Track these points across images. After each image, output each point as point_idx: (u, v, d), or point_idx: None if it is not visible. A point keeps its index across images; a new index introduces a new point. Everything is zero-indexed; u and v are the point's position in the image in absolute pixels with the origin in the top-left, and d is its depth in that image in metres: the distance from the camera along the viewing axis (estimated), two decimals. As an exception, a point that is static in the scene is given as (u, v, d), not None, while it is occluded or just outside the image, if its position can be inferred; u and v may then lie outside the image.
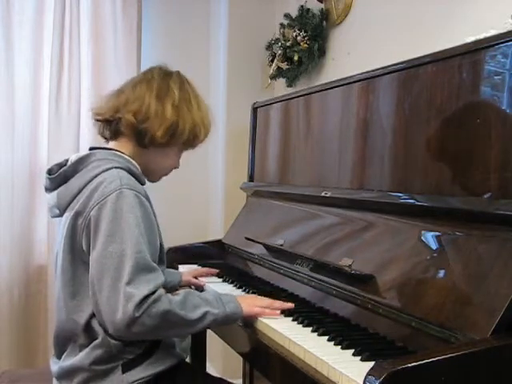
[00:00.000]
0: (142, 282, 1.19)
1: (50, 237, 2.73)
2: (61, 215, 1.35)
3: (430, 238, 1.25)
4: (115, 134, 1.42)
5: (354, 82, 1.65)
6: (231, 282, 1.80)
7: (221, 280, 1.85)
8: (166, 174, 1.50)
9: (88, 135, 2.83)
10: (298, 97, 1.99)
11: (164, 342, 1.35)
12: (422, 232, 1.27)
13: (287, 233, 1.82)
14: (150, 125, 1.35)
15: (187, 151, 1.49)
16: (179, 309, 1.23)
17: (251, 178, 2.34)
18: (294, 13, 2.60)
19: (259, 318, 1.37)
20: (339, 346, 1.16)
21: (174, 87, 1.40)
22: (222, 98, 2.92)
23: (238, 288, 1.72)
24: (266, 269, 1.84)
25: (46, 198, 1.40)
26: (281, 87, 2.81)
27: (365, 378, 0.89)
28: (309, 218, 1.76)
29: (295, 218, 1.85)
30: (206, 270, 1.94)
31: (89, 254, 1.25)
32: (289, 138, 2.07)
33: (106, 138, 1.46)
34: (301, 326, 1.32)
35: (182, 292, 1.31)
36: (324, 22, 2.49)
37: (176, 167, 1.49)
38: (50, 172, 1.39)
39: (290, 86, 2.70)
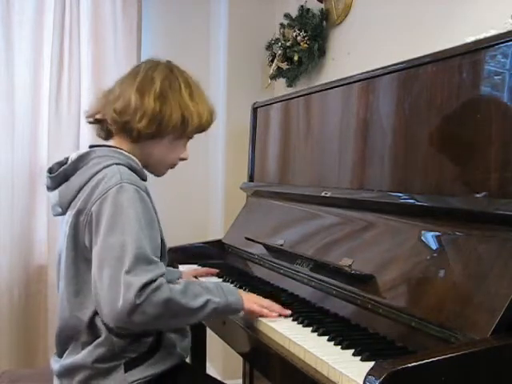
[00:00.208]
0: (142, 271, 1.18)
1: (50, 237, 2.73)
2: (63, 213, 1.36)
3: (430, 238, 1.25)
4: (109, 133, 1.44)
5: (354, 81, 1.65)
6: (231, 282, 1.80)
7: (221, 280, 1.85)
8: (171, 167, 1.48)
9: (88, 135, 2.82)
10: (298, 97, 1.99)
11: (165, 341, 1.35)
12: (422, 232, 1.27)
13: (287, 233, 1.82)
14: (131, 118, 1.35)
15: (188, 143, 1.48)
16: (180, 297, 1.22)
17: (251, 178, 2.34)
18: (294, 13, 2.60)
19: (259, 318, 1.37)
20: (339, 346, 1.16)
21: (158, 77, 1.38)
22: (222, 97, 2.92)
23: (238, 288, 1.71)
24: (265, 269, 1.84)
25: (48, 196, 1.40)
26: (281, 87, 2.81)
27: (365, 378, 0.88)
28: (309, 218, 1.76)
29: (295, 218, 1.85)
30: (205, 269, 1.94)
31: (91, 250, 1.25)
32: (289, 138, 2.07)
33: (103, 139, 1.46)
34: (301, 326, 1.32)
35: (182, 281, 1.30)
36: (324, 22, 2.49)
37: (183, 158, 1.48)
38: (50, 171, 1.39)
39: (289, 85, 2.70)
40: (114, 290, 1.17)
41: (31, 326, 2.78)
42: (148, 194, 1.32)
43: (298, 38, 2.49)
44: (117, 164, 1.31)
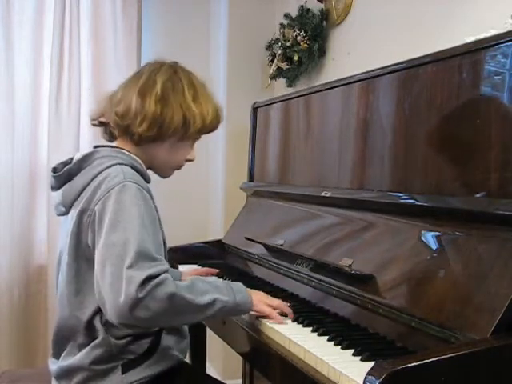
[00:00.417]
0: (143, 266, 1.16)
1: (50, 237, 2.73)
2: (66, 213, 1.36)
3: (430, 238, 1.25)
4: (112, 136, 1.44)
5: (354, 81, 1.65)
6: (231, 282, 1.80)
7: (221, 280, 1.85)
8: (177, 168, 1.48)
9: (88, 135, 2.83)
10: (298, 97, 1.99)
11: (163, 342, 1.34)
12: (422, 232, 1.27)
13: (287, 233, 1.82)
14: (131, 122, 1.35)
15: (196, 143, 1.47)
16: (186, 293, 1.20)
17: (251, 178, 2.34)
18: (294, 13, 2.60)
19: (259, 318, 1.37)
20: (339, 346, 1.16)
21: (160, 79, 1.38)
22: (222, 98, 2.92)
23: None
24: (265, 269, 1.84)
25: (51, 196, 1.40)
26: (281, 87, 2.81)
27: (365, 378, 0.88)
28: (309, 218, 1.76)
29: (295, 218, 1.85)
30: (205, 269, 1.93)
31: (94, 250, 1.25)
32: (289, 138, 2.07)
33: (107, 141, 1.47)
34: (301, 326, 1.32)
35: (189, 278, 1.29)
36: (324, 22, 2.49)
37: (189, 160, 1.47)
38: (54, 170, 1.39)
39: (290, 85, 2.70)
40: (115, 285, 1.15)
41: (31, 326, 2.78)
42: (150, 194, 1.32)
43: (298, 38, 2.49)
44: (120, 164, 1.31)
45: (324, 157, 1.79)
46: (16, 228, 2.73)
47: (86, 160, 1.34)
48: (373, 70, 1.56)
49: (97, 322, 1.28)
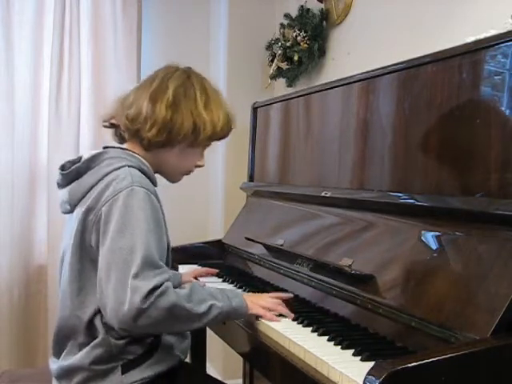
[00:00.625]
0: (148, 275, 1.18)
1: (50, 237, 2.73)
2: (71, 211, 1.36)
3: (430, 238, 1.25)
4: (122, 139, 1.45)
5: (354, 82, 1.65)
6: (231, 282, 1.80)
7: (221, 280, 1.85)
8: (187, 174, 1.49)
9: (88, 135, 2.83)
10: (298, 97, 1.99)
11: (163, 343, 1.35)
12: (422, 232, 1.27)
13: (287, 233, 1.82)
14: (142, 126, 1.35)
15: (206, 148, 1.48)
16: (186, 302, 1.23)
17: (251, 178, 2.34)
18: (294, 13, 2.60)
19: (260, 318, 1.37)
20: (339, 346, 1.16)
21: (172, 85, 1.37)
22: (221, 98, 2.92)
23: (238, 288, 1.71)
24: (266, 269, 1.84)
25: (58, 193, 1.41)
26: (281, 87, 2.81)
27: (365, 378, 0.88)
28: (309, 218, 1.76)
29: (295, 218, 1.85)
30: (205, 269, 1.93)
31: (97, 250, 1.25)
32: (289, 138, 2.07)
33: (117, 143, 1.48)
34: (301, 325, 1.32)
35: (187, 285, 1.30)
36: (324, 22, 2.49)
37: (199, 166, 1.48)
38: (62, 168, 1.39)
39: (290, 85, 2.70)
40: (120, 293, 1.17)
41: (31, 326, 2.78)
42: (157, 198, 1.33)
43: (298, 38, 2.49)
44: (128, 166, 1.31)
45: (324, 157, 1.79)
46: (16, 228, 2.73)
47: (94, 160, 1.35)
48: (373, 70, 1.56)
49: (97, 322, 1.29)
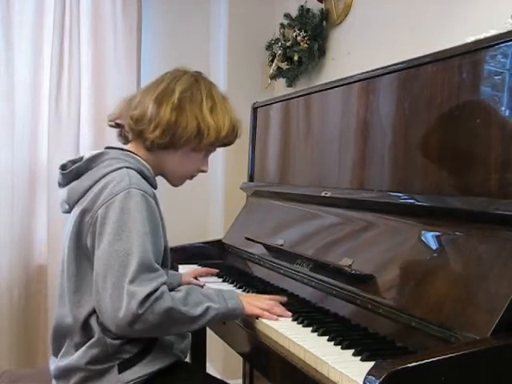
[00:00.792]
0: (144, 280, 1.19)
1: (50, 237, 2.73)
2: (70, 211, 1.36)
3: (430, 238, 1.25)
4: (126, 139, 1.45)
5: (354, 81, 1.65)
6: (231, 282, 1.80)
7: (221, 280, 1.85)
8: (189, 178, 1.49)
9: (88, 135, 2.83)
10: (298, 97, 1.99)
11: (160, 341, 1.35)
12: (422, 232, 1.27)
13: (287, 233, 1.82)
14: (145, 127, 1.35)
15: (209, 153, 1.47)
16: (182, 305, 1.23)
17: (251, 178, 2.34)
18: (294, 13, 2.60)
19: (260, 318, 1.37)
20: (339, 346, 1.16)
21: (178, 88, 1.37)
22: (221, 98, 2.92)
23: (238, 288, 1.71)
24: (266, 269, 1.84)
25: (59, 193, 1.41)
26: (281, 87, 2.81)
27: (365, 378, 0.88)
28: (309, 218, 1.76)
29: (295, 218, 1.85)
30: (205, 269, 1.93)
31: (93, 252, 1.26)
32: (289, 138, 2.07)
33: (122, 143, 1.48)
34: (301, 325, 1.31)
35: (183, 288, 1.31)
36: (324, 22, 2.49)
37: (202, 171, 1.48)
38: (63, 167, 1.40)
39: (290, 85, 2.70)
40: (116, 298, 1.18)
41: (31, 326, 2.78)
42: (156, 200, 1.33)
43: (298, 38, 2.49)
44: (127, 168, 1.31)
45: (324, 157, 1.79)
46: (16, 228, 2.73)
47: (94, 160, 1.35)
48: (373, 70, 1.56)
49: (93, 322, 1.29)
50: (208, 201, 3.13)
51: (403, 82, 1.45)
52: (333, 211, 1.65)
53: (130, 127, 1.38)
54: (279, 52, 2.63)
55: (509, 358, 0.96)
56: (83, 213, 1.29)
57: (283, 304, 1.42)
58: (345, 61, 2.37)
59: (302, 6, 2.56)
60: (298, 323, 1.33)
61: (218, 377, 1.71)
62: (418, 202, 1.32)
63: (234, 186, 2.54)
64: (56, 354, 1.38)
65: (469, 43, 1.26)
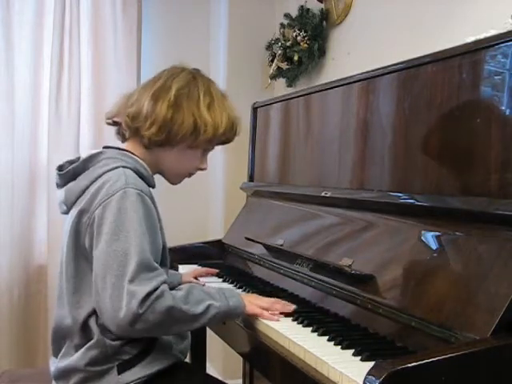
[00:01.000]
0: (144, 279, 1.19)
1: (50, 237, 2.73)
2: (68, 212, 1.36)
3: (430, 238, 1.25)
4: (124, 136, 1.45)
5: (354, 81, 1.65)
6: (231, 282, 1.80)
7: (221, 280, 1.85)
8: (187, 176, 1.48)
9: (88, 135, 2.83)
10: (298, 97, 1.99)
11: (160, 342, 1.35)
12: (422, 232, 1.27)
13: (287, 233, 1.82)
14: (141, 124, 1.35)
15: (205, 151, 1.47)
16: (183, 304, 1.23)
17: (251, 178, 2.34)
18: (294, 13, 2.60)
19: (260, 318, 1.37)
20: (339, 346, 1.16)
21: (175, 85, 1.37)
22: (221, 97, 2.92)
23: (238, 288, 1.71)
24: (266, 269, 1.84)
25: (55, 194, 1.41)
26: (281, 87, 2.81)
27: (365, 378, 0.88)
28: (309, 218, 1.76)
29: (295, 218, 1.85)
30: (205, 269, 1.93)
31: (91, 252, 1.25)
32: (289, 138, 2.07)
33: (120, 141, 1.48)
34: (301, 326, 1.31)
35: (184, 286, 1.30)
36: (324, 22, 2.49)
37: (200, 169, 1.47)
38: (60, 168, 1.39)
39: (290, 85, 2.70)
40: (116, 299, 1.18)
41: (31, 326, 2.78)
42: (152, 199, 1.32)
43: (298, 38, 2.49)
44: (123, 167, 1.31)
45: (324, 157, 1.79)
46: (16, 228, 2.73)
47: (91, 160, 1.35)
48: (373, 70, 1.56)
49: (92, 324, 1.29)
50: (208, 201, 3.13)
51: (403, 82, 1.45)
52: (333, 211, 1.65)
53: (127, 125, 1.38)
54: (279, 52, 2.63)
55: (509, 357, 0.96)
56: (81, 213, 1.28)
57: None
58: (345, 61, 2.37)
59: (301, 6, 2.56)
60: (298, 323, 1.33)
61: (218, 377, 1.71)
62: (418, 201, 1.32)
63: (233, 185, 2.54)
64: (56, 355, 1.38)
65: (469, 43, 1.26)
